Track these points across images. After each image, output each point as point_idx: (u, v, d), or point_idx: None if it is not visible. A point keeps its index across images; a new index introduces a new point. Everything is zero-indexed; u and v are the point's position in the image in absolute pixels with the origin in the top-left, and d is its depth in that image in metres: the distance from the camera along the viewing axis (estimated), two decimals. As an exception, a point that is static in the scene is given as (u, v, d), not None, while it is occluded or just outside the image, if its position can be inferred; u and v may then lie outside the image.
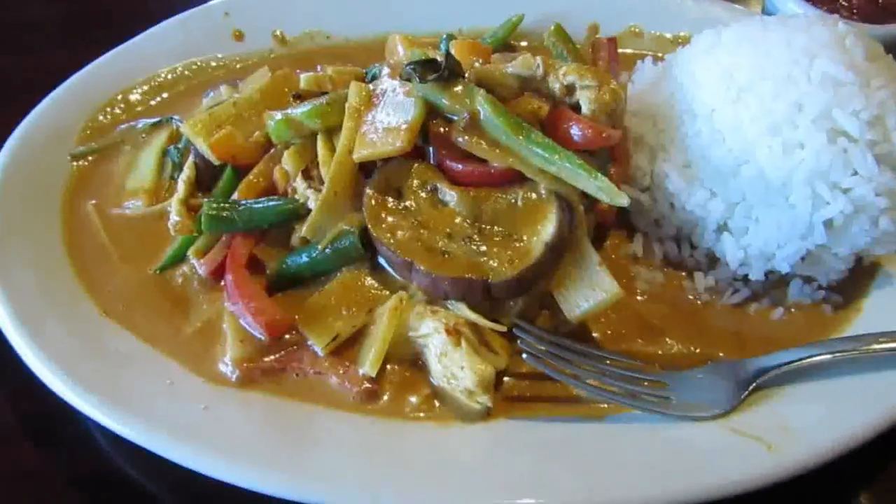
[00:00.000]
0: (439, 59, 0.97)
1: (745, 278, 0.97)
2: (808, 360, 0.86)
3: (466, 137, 0.91)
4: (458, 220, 0.91)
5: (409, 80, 0.94)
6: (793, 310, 0.97)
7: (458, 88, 0.92)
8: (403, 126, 0.91)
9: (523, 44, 1.27)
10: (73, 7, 1.50)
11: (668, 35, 1.27)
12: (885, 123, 0.89)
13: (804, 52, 0.92)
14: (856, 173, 0.89)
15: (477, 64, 0.97)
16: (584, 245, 0.90)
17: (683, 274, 1.00)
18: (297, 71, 1.16)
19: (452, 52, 1.00)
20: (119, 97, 1.15)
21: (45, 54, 1.39)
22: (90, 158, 1.08)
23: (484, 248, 0.89)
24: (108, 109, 1.13)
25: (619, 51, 1.23)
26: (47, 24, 1.47)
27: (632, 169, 1.02)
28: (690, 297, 0.98)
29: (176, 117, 1.13)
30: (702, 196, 0.95)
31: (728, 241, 0.95)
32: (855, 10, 1.22)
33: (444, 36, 1.18)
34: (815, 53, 0.91)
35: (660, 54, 1.22)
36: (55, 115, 1.09)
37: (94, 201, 1.04)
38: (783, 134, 0.90)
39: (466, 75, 0.95)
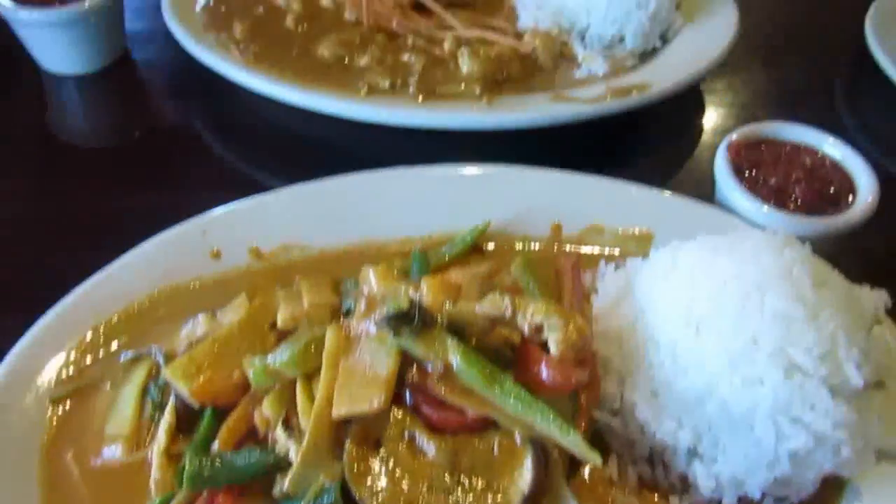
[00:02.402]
0: (412, 296, 1.03)
1: (720, 501, 1.00)
2: None
3: (441, 386, 0.95)
4: (437, 471, 0.93)
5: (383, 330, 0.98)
6: (768, 529, 1.00)
7: (432, 337, 0.97)
8: (380, 380, 0.94)
9: (490, 246, 1.32)
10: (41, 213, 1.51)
11: (629, 231, 1.33)
12: (836, 356, 0.94)
13: (755, 286, 0.97)
14: (814, 407, 0.93)
15: (448, 305, 1.02)
16: (561, 489, 0.92)
17: (657, 497, 1.03)
18: (277, 288, 1.22)
19: (424, 288, 1.05)
20: (97, 330, 1.17)
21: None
22: (69, 402, 1.09)
23: (463, 501, 0.91)
24: (86, 345, 1.15)
25: (581, 249, 1.30)
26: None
27: (602, 392, 1.06)
28: (667, 523, 1.01)
29: (156, 347, 1.15)
30: (670, 426, 0.99)
31: (699, 469, 0.98)
32: (800, 202, 1.30)
33: (416, 251, 1.23)
34: (766, 288, 0.97)
35: (620, 256, 1.29)
36: (31, 357, 1.10)
37: (72, 451, 1.04)
38: (742, 369, 0.95)
39: (439, 318, 1.00)
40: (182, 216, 1.29)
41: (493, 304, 1.01)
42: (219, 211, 1.29)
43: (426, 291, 1.03)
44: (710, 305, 0.98)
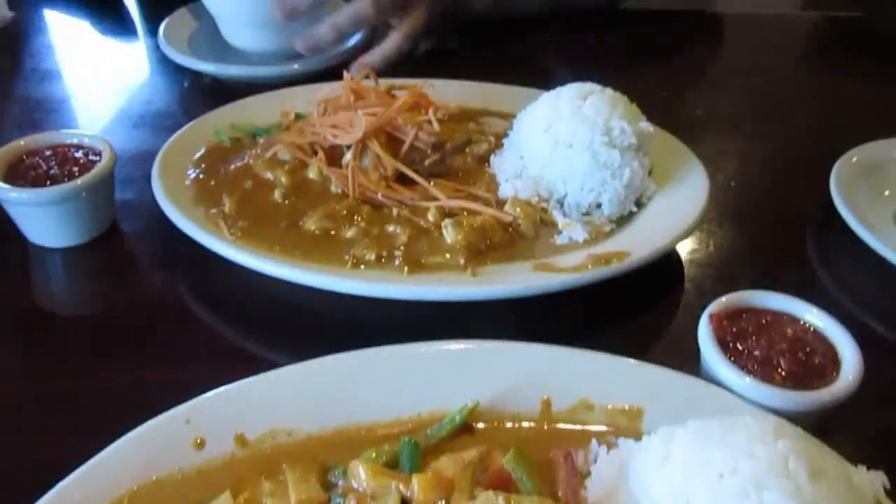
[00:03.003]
0: (403, 493, 1.00)
1: None
2: None
3: None
4: None
5: (375, 538, 0.95)
6: None
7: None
8: None
9: (480, 425, 1.30)
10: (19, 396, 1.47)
11: (619, 406, 1.32)
12: (840, 560, 0.92)
13: (752, 482, 0.96)
14: None
15: (441, 505, 1.00)
16: None
17: None
18: (262, 479, 1.19)
19: (416, 487, 1.02)
20: (75, 533, 1.12)
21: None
22: None
23: None
24: (63, 551, 1.09)
25: (571, 427, 1.29)
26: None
27: (603, 593, 1.02)
28: None
29: (133, 553, 1.10)
30: None
31: None
32: (785, 374, 1.30)
33: (405, 440, 1.20)
34: (763, 485, 0.96)
35: (611, 433, 1.28)
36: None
37: None
38: (748, 574, 0.92)
39: (431, 521, 0.97)
40: (168, 394, 1.26)
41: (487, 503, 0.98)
42: (203, 398, 1.27)
43: (417, 491, 1.01)
44: (708, 502, 0.97)
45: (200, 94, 2.37)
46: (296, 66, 2.30)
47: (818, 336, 1.37)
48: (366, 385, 1.32)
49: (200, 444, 1.24)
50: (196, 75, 2.40)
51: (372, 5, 2.23)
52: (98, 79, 2.48)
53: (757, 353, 1.33)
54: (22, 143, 1.74)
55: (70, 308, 1.69)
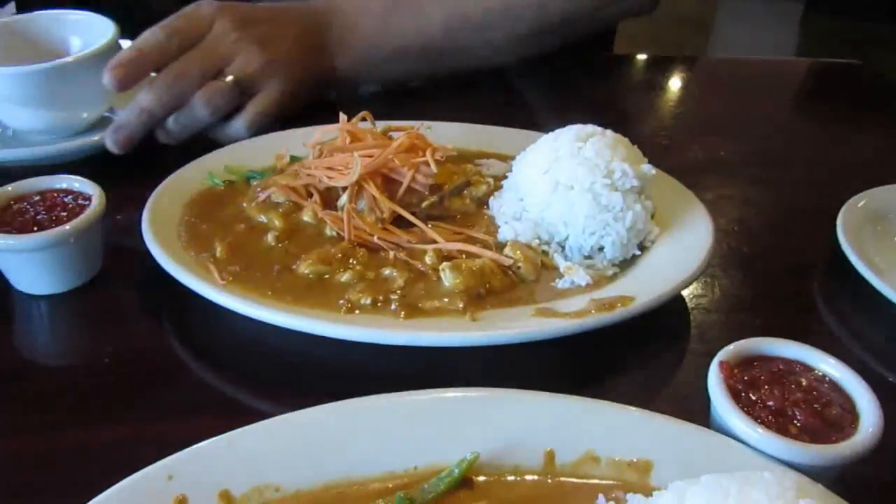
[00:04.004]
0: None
1: None
2: None
3: None
4: None
5: None
6: None
7: None
8: None
9: (481, 478, 1.24)
10: None
11: (626, 459, 1.25)
12: None
13: (773, 545, 0.89)
14: None
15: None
16: None
17: None
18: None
19: (411, 550, 0.96)
20: None
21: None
22: None
23: None
24: None
25: (576, 480, 1.22)
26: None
27: None
28: None
29: None
30: None
31: None
32: (801, 426, 1.24)
33: (399, 496, 1.14)
34: (785, 548, 0.89)
35: (619, 487, 1.21)
36: None
37: None
38: None
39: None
40: (155, 449, 1.19)
41: (488, 569, 0.91)
42: (186, 451, 1.20)
43: (414, 552, 0.94)
44: (726, 564, 0.90)
45: (197, 137, 2.34)
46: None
47: (833, 386, 1.30)
48: (358, 436, 1.25)
49: (182, 502, 1.16)
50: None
51: (210, 115, 2.06)
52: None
53: (771, 403, 1.27)
54: (10, 188, 1.70)
55: (54, 358, 1.63)
